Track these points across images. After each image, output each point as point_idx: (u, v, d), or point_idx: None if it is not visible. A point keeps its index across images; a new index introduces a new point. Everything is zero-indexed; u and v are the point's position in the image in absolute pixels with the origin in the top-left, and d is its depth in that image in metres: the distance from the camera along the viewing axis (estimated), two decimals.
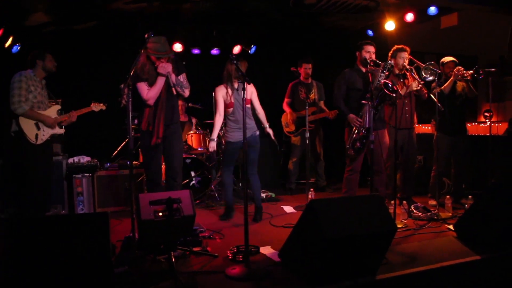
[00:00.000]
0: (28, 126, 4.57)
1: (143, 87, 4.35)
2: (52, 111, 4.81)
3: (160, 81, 4.36)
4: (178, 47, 7.30)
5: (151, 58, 4.36)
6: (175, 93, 4.46)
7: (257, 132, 5.16)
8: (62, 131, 4.88)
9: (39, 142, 4.62)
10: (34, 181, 4.59)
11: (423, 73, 5.04)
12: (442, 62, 5.69)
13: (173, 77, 4.40)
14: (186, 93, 4.57)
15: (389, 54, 5.30)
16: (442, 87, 5.42)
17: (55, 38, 6.50)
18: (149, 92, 4.35)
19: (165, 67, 4.33)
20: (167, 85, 4.44)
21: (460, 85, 5.59)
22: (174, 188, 4.45)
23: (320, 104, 6.79)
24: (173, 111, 4.59)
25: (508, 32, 7.07)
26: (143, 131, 4.45)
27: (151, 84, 4.36)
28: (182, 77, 4.55)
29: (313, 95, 6.67)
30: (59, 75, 6.57)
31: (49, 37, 6.40)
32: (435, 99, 4.95)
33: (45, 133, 4.68)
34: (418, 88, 5.16)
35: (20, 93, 4.47)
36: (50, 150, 4.94)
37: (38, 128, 4.63)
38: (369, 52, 4.97)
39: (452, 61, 5.59)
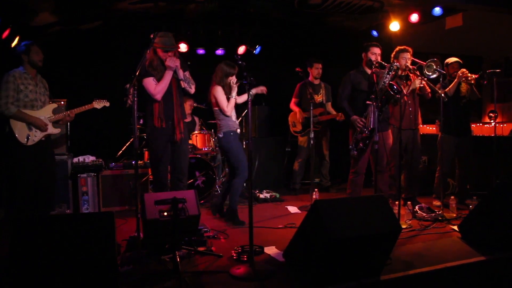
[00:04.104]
0: (19, 127, 4.44)
1: (150, 82, 4.35)
2: (48, 110, 4.66)
3: (168, 75, 4.37)
4: (183, 47, 7.31)
5: (158, 53, 4.37)
6: (183, 86, 4.50)
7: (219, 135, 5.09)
8: (57, 131, 4.71)
9: (30, 143, 4.47)
10: (23, 183, 4.45)
11: (425, 71, 5.03)
12: (447, 63, 5.68)
13: (180, 72, 4.44)
14: (193, 89, 4.62)
15: (392, 56, 5.30)
16: (446, 89, 5.41)
17: (61, 38, 6.53)
18: (157, 87, 4.35)
19: (174, 61, 4.35)
20: (177, 80, 4.47)
21: (464, 86, 5.57)
22: (180, 189, 4.43)
23: (328, 106, 6.79)
24: (183, 107, 4.66)
25: None
26: (154, 128, 4.41)
27: (159, 79, 4.37)
28: (187, 74, 4.59)
29: (320, 96, 6.68)
30: (64, 75, 6.65)
31: (55, 37, 6.43)
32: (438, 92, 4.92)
33: (37, 134, 4.53)
34: (421, 85, 5.15)
35: (7, 94, 4.35)
36: (48, 151, 4.73)
37: (30, 129, 4.49)
38: (375, 53, 4.98)
39: (457, 61, 5.58)
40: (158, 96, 4.37)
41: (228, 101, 4.90)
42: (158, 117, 4.40)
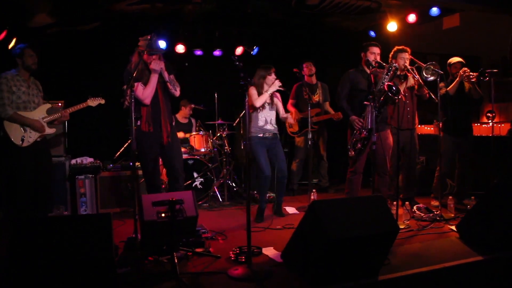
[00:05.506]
0: (13, 129, 4.44)
1: (137, 87, 4.30)
2: (41, 111, 4.66)
3: (154, 78, 4.35)
4: (180, 48, 7.30)
5: (143, 57, 4.31)
6: (170, 87, 4.48)
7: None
8: (52, 130, 4.71)
9: (25, 144, 4.47)
10: (23, 184, 4.46)
11: (424, 73, 5.03)
12: (449, 63, 5.68)
13: (166, 74, 4.43)
14: (178, 92, 4.59)
15: (390, 56, 5.30)
16: (448, 88, 5.42)
17: (59, 39, 6.51)
18: (145, 91, 4.32)
19: (158, 63, 4.34)
20: (163, 83, 4.45)
21: (466, 86, 5.57)
22: (177, 190, 4.41)
23: (325, 105, 6.80)
24: (170, 110, 4.64)
25: (510, 33, 7.06)
26: (143, 133, 4.37)
27: (145, 83, 4.34)
28: (172, 77, 4.57)
29: (317, 96, 6.68)
30: (62, 76, 6.64)
31: (53, 39, 6.41)
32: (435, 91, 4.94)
33: (32, 135, 4.52)
34: (414, 84, 5.16)
35: (2, 96, 4.36)
36: (44, 151, 4.73)
37: (25, 130, 4.49)
38: (374, 53, 4.96)
39: (459, 61, 5.57)
40: (147, 101, 4.34)
41: (259, 96, 5.04)
42: (145, 121, 4.37)
